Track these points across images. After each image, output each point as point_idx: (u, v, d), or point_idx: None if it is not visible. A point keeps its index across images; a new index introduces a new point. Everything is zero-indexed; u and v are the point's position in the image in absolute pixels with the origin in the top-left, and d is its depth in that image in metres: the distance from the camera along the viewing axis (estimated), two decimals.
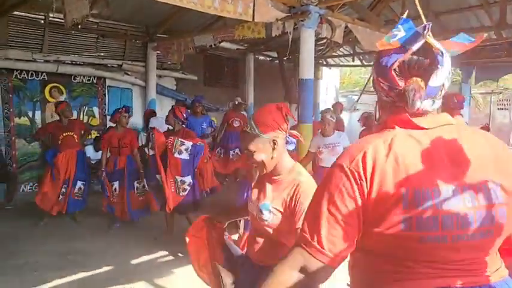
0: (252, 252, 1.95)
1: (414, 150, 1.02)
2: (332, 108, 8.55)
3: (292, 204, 1.73)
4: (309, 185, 1.76)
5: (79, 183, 5.67)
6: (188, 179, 4.62)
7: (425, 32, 1.04)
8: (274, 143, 1.77)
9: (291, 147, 1.90)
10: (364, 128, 7.90)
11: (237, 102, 8.13)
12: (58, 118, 5.69)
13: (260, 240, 1.89)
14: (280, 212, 1.77)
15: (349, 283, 1.20)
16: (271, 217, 1.78)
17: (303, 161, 4.60)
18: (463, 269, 1.00)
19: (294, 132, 1.93)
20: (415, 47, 1.05)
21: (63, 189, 5.53)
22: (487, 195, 0.98)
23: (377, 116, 1.20)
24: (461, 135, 1.05)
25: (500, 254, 1.08)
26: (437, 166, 1.00)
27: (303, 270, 1.05)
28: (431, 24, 1.07)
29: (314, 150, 4.77)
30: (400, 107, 1.08)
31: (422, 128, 1.06)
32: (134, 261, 4.32)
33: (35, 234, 5.10)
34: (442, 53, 1.06)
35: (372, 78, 1.20)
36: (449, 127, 1.08)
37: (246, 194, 3.95)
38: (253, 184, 2.03)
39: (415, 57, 1.06)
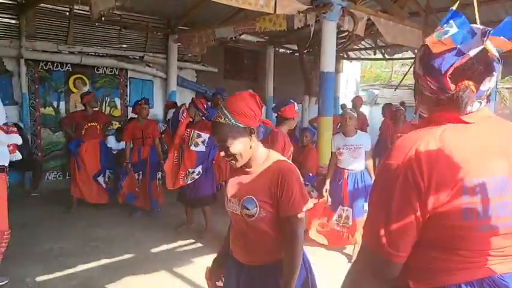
0: (241, 254, 1.82)
1: (465, 142, 1.03)
2: (352, 103, 8.49)
3: (279, 191, 1.66)
4: (291, 170, 1.70)
5: (107, 172, 5.85)
6: (198, 169, 4.65)
7: (484, 38, 1.01)
8: (252, 132, 1.68)
9: (260, 136, 1.82)
10: (384, 119, 7.79)
11: None
12: (83, 108, 5.83)
13: (248, 239, 1.77)
14: (268, 203, 1.68)
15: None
16: (258, 211, 1.68)
17: (330, 164, 4.47)
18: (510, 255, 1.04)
19: (266, 120, 1.87)
20: (473, 52, 1.01)
21: (101, 178, 5.73)
22: None
23: (417, 111, 1.20)
24: (503, 126, 1.09)
25: None
26: (489, 156, 1.02)
27: (377, 273, 1.08)
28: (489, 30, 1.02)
29: (333, 150, 4.45)
30: (447, 105, 1.09)
31: (468, 123, 1.07)
32: (154, 250, 4.40)
33: (59, 221, 5.25)
34: (498, 59, 1.05)
35: (414, 71, 1.16)
36: (490, 119, 1.10)
37: None
38: (227, 182, 1.91)
39: (470, 62, 1.03)
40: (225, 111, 1.65)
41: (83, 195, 5.68)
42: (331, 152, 4.48)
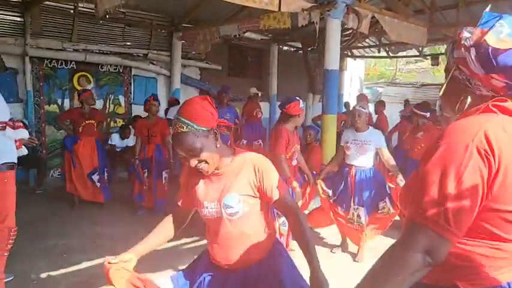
0: (228, 258, 1.77)
1: None
2: (357, 101, 8.43)
3: (258, 181, 1.70)
4: (263, 159, 1.76)
5: (103, 172, 5.87)
6: None
7: None
8: (216, 133, 1.66)
9: (227, 138, 1.85)
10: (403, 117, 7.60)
11: (252, 94, 8.10)
12: (80, 106, 5.80)
13: (233, 240, 1.74)
14: (250, 195, 1.71)
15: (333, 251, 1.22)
16: (242, 206, 1.68)
17: (335, 156, 4.42)
18: None
19: (223, 120, 1.89)
20: None
21: (96, 177, 5.70)
22: None
23: (458, 107, 1.19)
24: None
25: None
26: None
27: (428, 249, 1.00)
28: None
29: (342, 144, 4.30)
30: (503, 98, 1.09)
31: None
32: (159, 247, 4.40)
33: (64, 218, 5.27)
34: None
35: (459, 72, 1.15)
36: None
37: None
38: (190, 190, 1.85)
39: None
40: (184, 120, 1.60)
41: (78, 193, 5.68)
42: (340, 146, 4.38)
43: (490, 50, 1.06)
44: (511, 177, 0.99)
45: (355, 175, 4.11)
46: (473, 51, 1.09)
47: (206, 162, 1.64)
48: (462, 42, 1.11)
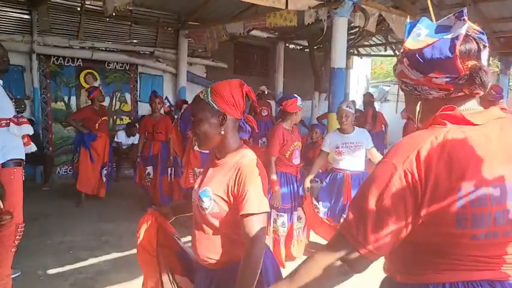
0: (195, 250, 1.72)
1: (468, 146, 1.00)
2: (363, 99, 8.36)
3: (235, 189, 1.55)
4: (251, 168, 1.58)
5: (109, 166, 6.00)
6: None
7: (463, 17, 1.04)
8: (223, 118, 1.60)
9: (245, 135, 1.72)
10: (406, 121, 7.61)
11: (261, 92, 8.07)
12: (90, 103, 5.89)
13: (201, 234, 1.68)
14: (223, 199, 1.58)
15: None
16: (212, 205, 1.59)
17: (316, 162, 4.03)
18: (509, 263, 1.01)
19: (250, 117, 1.74)
20: (463, 30, 1.02)
21: (105, 171, 5.83)
22: None
23: (418, 117, 1.17)
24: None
25: None
26: (491, 162, 0.99)
27: (344, 259, 1.04)
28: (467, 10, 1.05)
29: (329, 150, 3.96)
30: (449, 104, 1.07)
31: (474, 124, 1.03)
32: None
33: (70, 215, 5.30)
34: (483, 32, 1.08)
35: (406, 85, 1.16)
36: (500, 121, 1.06)
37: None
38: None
39: (466, 42, 1.05)
40: (208, 89, 1.63)
41: (86, 190, 5.74)
42: (320, 150, 4.06)
43: (416, 54, 1.08)
44: (440, 201, 0.97)
45: (351, 181, 3.84)
46: (406, 61, 1.12)
47: (198, 136, 1.64)
48: (399, 57, 1.15)
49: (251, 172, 1.56)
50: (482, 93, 1.06)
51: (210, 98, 1.60)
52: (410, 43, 1.10)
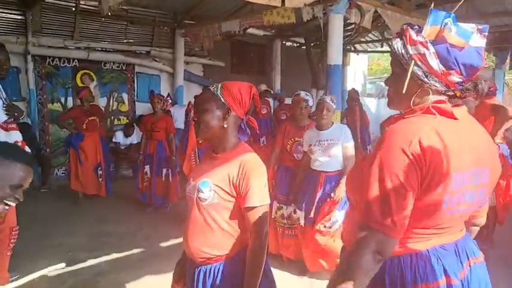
0: (188, 245, 1.73)
1: (454, 137, 1.15)
2: (348, 96, 8.15)
3: (238, 182, 1.62)
4: (255, 163, 1.66)
5: (106, 167, 5.96)
6: None
7: (484, 34, 1.18)
8: (228, 112, 1.67)
9: (243, 138, 1.77)
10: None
11: (261, 90, 8.04)
12: (79, 104, 5.88)
13: (198, 227, 1.69)
14: (224, 190, 1.64)
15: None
16: (212, 195, 1.64)
17: (300, 166, 3.71)
18: (456, 230, 1.28)
19: (252, 118, 1.80)
20: (484, 44, 1.18)
21: (100, 172, 5.78)
22: (484, 177, 1.23)
23: (396, 98, 1.30)
24: (475, 126, 1.28)
25: None
26: (467, 152, 1.17)
27: (377, 250, 1.11)
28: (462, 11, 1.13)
29: (305, 149, 3.60)
30: (441, 97, 1.23)
31: (456, 118, 1.19)
32: (164, 244, 4.42)
33: (69, 216, 5.28)
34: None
35: (420, 66, 1.20)
36: (468, 118, 1.26)
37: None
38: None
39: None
40: (219, 84, 1.73)
41: (82, 189, 5.75)
42: (303, 152, 3.67)
43: (447, 47, 1.15)
44: (436, 184, 1.12)
45: (324, 183, 3.46)
46: (431, 47, 1.16)
47: (199, 125, 1.70)
48: (415, 38, 1.18)
49: (254, 167, 1.64)
50: (472, 98, 1.25)
51: (219, 91, 1.69)
52: (449, 35, 1.16)
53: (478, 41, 1.15)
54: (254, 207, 1.61)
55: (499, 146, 3.91)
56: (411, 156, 1.10)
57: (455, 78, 1.17)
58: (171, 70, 8.40)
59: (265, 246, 1.63)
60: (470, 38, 1.15)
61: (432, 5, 1.23)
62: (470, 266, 1.25)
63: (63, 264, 3.27)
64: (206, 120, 1.67)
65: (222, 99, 1.67)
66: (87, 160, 5.72)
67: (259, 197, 1.62)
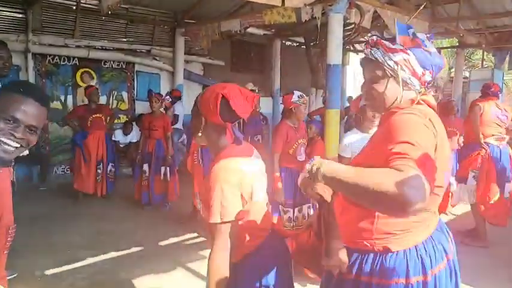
0: None
1: (438, 124, 1.36)
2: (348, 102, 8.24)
3: (207, 192, 1.56)
4: (215, 174, 1.55)
5: (110, 165, 5.91)
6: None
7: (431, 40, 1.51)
8: (202, 121, 1.63)
9: (238, 142, 1.68)
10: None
11: (248, 89, 8.04)
12: (87, 102, 5.93)
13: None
14: (205, 204, 1.59)
15: None
16: (201, 208, 1.64)
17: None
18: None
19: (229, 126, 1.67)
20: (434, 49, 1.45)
21: (99, 170, 5.80)
22: (450, 164, 1.48)
23: (378, 99, 1.45)
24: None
25: None
26: (445, 139, 1.38)
27: (423, 196, 1.03)
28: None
29: (347, 155, 3.28)
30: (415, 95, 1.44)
31: (436, 111, 1.43)
32: (162, 243, 4.43)
33: (68, 215, 5.29)
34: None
35: (405, 70, 1.40)
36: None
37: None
38: None
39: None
40: (202, 91, 1.75)
41: (84, 188, 5.76)
42: (339, 155, 3.43)
43: (422, 51, 1.38)
44: (441, 158, 1.30)
45: None
46: (411, 53, 1.37)
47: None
48: (393, 47, 1.37)
49: (214, 179, 1.54)
50: (431, 94, 1.50)
51: (198, 99, 1.67)
52: (424, 43, 1.42)
53: (432, 46, 1.43)
54: (214, 224, 1.51)
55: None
56: (430, 126, 1.29)
57: (428, 77, 1.41)
58: (171, 69, 8.40)
59: (219, 269, 1.50)
60: (427, 44, 1.41)
61: (422, 6, 1.34)
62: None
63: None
64: (192, 125, 1.69)
65: (199, 108, 1.65)
66: (90, 158, 5.77)
67: (219, 213, 1.50)
